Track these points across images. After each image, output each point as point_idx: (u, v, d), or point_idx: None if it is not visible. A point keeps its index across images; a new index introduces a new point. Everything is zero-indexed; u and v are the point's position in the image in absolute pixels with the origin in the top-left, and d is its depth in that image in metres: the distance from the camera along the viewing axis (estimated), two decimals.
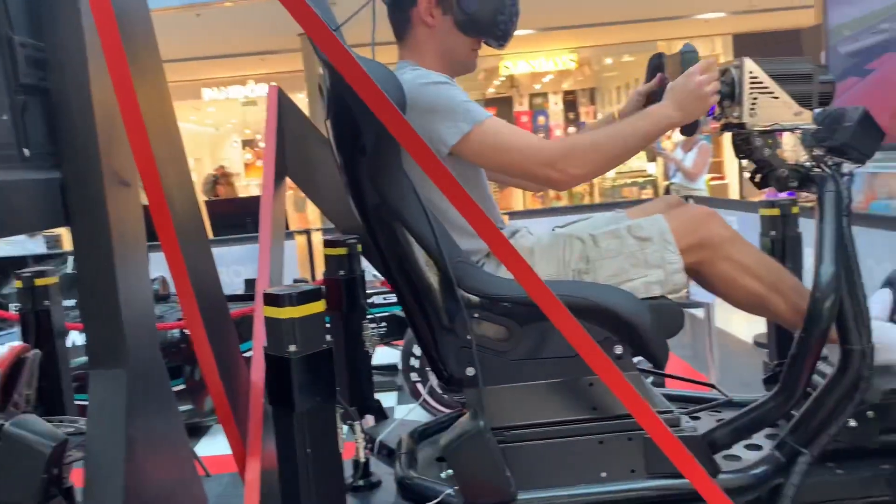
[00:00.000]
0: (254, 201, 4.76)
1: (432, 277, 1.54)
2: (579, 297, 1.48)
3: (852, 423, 1.61)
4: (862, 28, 2.40)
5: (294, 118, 2.15)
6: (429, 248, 1.48)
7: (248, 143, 17.50)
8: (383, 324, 3.45)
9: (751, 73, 1.61)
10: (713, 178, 8.32)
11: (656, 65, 1.82)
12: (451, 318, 1.52)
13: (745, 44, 11.15)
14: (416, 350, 3.36)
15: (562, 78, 16.66)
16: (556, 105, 17.76)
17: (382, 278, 3.45)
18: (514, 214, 6.34)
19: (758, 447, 1.72)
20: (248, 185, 15.51)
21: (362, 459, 2.15)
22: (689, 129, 1.68)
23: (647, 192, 11.72)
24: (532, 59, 14.31)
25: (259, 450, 1.48)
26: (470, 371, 1.52)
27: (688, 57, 1.64)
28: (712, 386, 1.92)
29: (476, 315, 1.53)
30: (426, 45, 1.69)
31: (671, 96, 1.59)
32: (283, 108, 2.11)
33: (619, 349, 1.53)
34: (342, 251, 2.11)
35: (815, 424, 1.57)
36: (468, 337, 1.51)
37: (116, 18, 1.21)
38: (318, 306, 1.30)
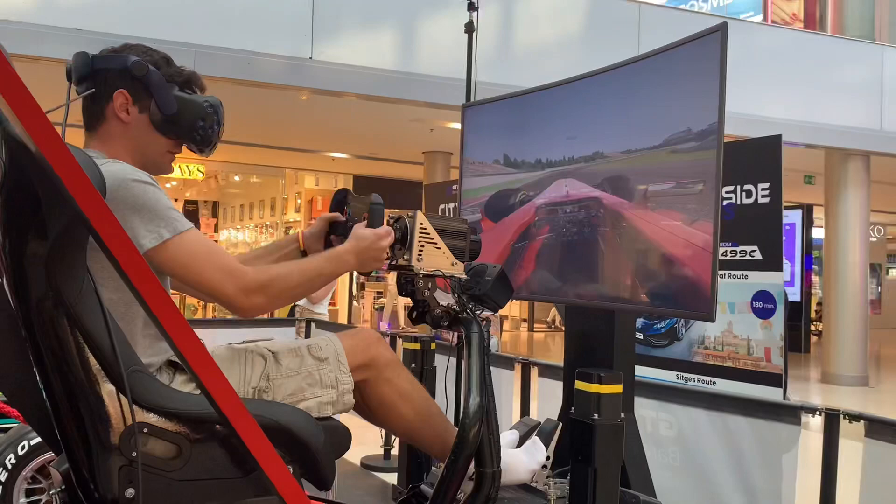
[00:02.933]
0: None
1: (98, 385, 1.40)
2: (259, 416, 1.48)
3: None
4: (477, 197, 2.94)
5: None
6: (102, 352, 1.36)
7: None
8: None
9: (421, 224, 1.85)
10: (330, 304, 8.82)
11: (341, 199, 1.97)
12: (115, 432, 1.40)
13: (367, 185, 12.30)
14: (2, 475, 2.93)
15: (186, 186, 16.36)
16: None
17: None
18: None
19: None
20: None
21: None
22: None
23: None
24: None
25: None
26: (129, 492, 1.40)
27: (375, 208, 1.81)
28: None
29: (145, 430, 1.43)
30: (118, 141, 1.63)
31: (357, 248, 1.72)
32: None
33: (290, 469, 1.54)
34: None
35: None
36: (133, 454, 1.39)
37: None
38: None
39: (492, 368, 3.86)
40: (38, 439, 2.85)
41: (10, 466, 2.93)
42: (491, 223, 2.82)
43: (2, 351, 1.51)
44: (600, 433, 1.80)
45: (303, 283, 1.65)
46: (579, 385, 1.85)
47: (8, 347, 1.47)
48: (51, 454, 2.72)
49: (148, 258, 1.48)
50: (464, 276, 1.89)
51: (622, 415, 1.84)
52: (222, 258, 1.56)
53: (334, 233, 1.97)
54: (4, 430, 3.09)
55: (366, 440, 4.99)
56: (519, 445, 2.07)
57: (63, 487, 1.55)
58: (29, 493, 2.98)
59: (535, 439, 2.07)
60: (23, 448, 2.93)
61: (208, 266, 1.53)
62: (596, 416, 1.80)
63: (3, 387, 1.65)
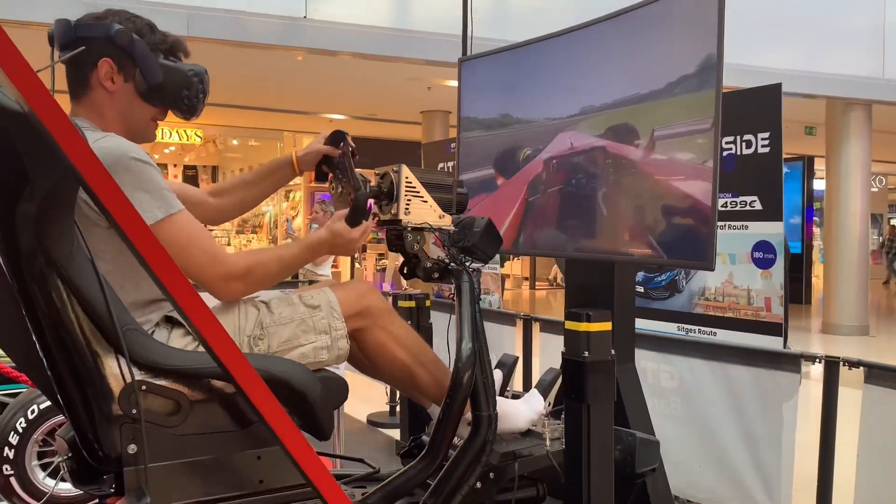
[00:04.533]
0: None
1: (94, 344, 1.41)
2: (256, 370, 1.49)
3: (478, 484, 1.85)
4: (480, 157, 2.93)
5: None
6: (97, 311, 1.37)
7: None
8: None
9: (406, 178, 1.85)
10: (333, 266, 8.87)
11: (339, 139, 1.94)
12: (115, 390, 1.41)
13: (365, 146, 12.21)
14: (13, 439, 2.97)
15: (185, 151, 16.32)
16: (175, 178, 17.29)
17: None
18: None
19: None
20: None
21: None
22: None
23: None
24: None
25: None
26: (132, 448, 1.42)
27: (358, 206, 1.76)
28: (361, 460, 2.03)
29: (144, 388, 1.44)
30: (104, 109, 1.64)
31: (331, 243, 1.75)
32: None
33: None
34: None
35: (449, 487, 1.77)
36: (133, 411, 1.41)
37: None
38: None
39: (494, 325, 3.90)
40: (48, 403, 2.89)
41: (20, 430, 2.98)
42: (504, 179, 2.82)
43: (9, 319, 1.52)
44: (591, 370, 1.82)
45: (282, 272, 1.70)
46: (569, 325, 1.86)
47: (14, 315, 1.47)
48: (60, 417, 2.76)
49: None
50: (452, 229, 1.89)
51: (612, 352, 1.85)
52: (208, 242, 1.59)
53: (327, 165, 1.96)
54: (14, 395, 3.13)
55: (372, 398, 5.05)
56: (503, 383, 2.10)
57: (70, 455, 1.58)
58: (41, 455, 3.03)
59: (533, 391, 2.10)
60: (32, 412, 2.97)
61: (194, 249, 1.55)
62: (586, 353, 1.82)
63: (12, 353, 1.66)
